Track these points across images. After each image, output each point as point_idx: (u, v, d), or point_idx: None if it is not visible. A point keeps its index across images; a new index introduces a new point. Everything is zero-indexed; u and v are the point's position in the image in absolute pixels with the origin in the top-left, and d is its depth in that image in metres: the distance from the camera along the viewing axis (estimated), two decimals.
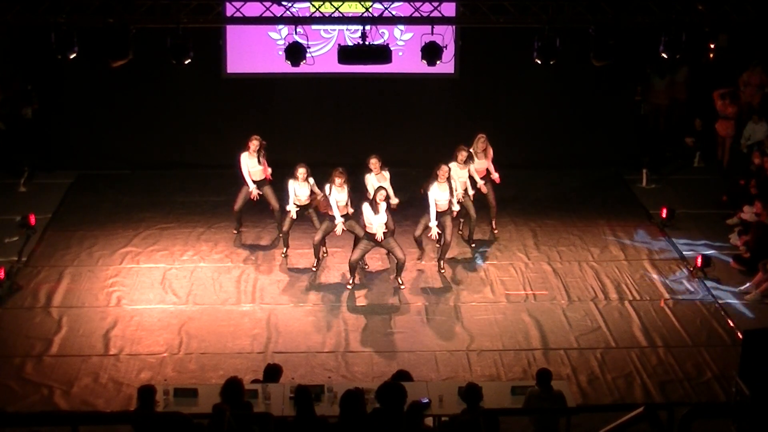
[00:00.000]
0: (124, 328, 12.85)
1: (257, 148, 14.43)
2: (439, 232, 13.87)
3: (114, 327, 12.86)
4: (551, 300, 13.61)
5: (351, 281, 13.82)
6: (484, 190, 14.79)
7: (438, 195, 13.76)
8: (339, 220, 13.67)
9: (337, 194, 13.66)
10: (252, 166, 14.48)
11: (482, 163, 14.77)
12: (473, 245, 14.91)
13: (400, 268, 13.79)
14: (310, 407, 9.38)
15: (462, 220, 14.99)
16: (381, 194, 13.35)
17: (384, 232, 13.43)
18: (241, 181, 14.69)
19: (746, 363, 10.46)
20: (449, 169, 13.84)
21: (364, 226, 13.61)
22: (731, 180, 16.38)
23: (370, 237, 13.50)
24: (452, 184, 13.85)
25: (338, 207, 13.68)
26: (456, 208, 13.99)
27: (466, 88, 17.32)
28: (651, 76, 18.08)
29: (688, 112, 18.40)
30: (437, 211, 13.78)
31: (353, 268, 13.79)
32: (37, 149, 17.29)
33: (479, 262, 14.55)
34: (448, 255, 14.45)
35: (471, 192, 14.63)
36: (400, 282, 13.82)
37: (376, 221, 13.38)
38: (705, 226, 15.57)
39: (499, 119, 17.11)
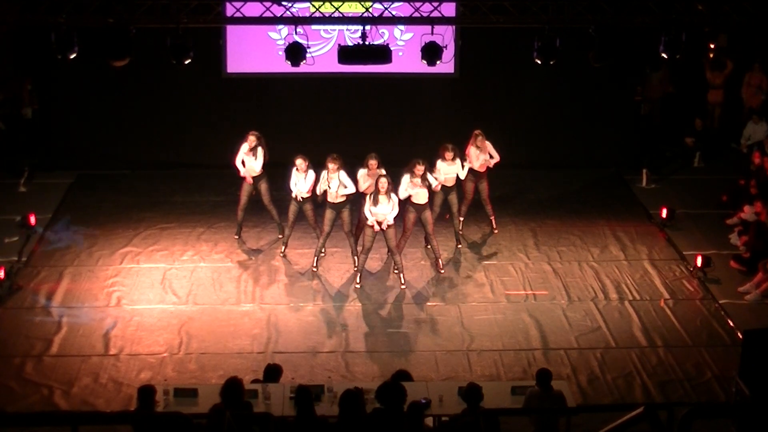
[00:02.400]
0: (124, 328, 12.85)
1: (253, 145, 14.44)
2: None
3: (114, 327, 12.85)
4: (551, 300, 13.60)
5: (358, 280, 13.87)
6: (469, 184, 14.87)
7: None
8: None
9: (329, 182, 13.74)
10: (249, 161, 14.50)
11: (483, 159, 14.76)
12: (459, 246, 14.93)
13: (396, 262, 13.80)
14: (310, 407, 9.38)
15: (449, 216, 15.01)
16: (382, 183, 13.32)
17: (387, 224, 13.46)
18: (240, 182, 14.73)
19: (746, 363, 10.46)
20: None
21: (360, 222, 13.73)
22: (730, 179, 16.38)
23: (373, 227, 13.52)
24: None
25: (326, 192, 13.79)
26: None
27: (466, 88, 17.32)
28: (650, 73, 18.16)
29: (687, 110, 18.43)
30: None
31: (361, 265, 13.84)
32: (37, 149, 17.30)
33: (469, 263, 14.57)
34: (445, 255, 14.48)
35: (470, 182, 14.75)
36: (402, 281, 13.82)
37: (379, 211, 13.36)
38: (705, 226, 15.57)
39: (499, 119, 17.11)
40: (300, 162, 13.99)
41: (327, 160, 13.75)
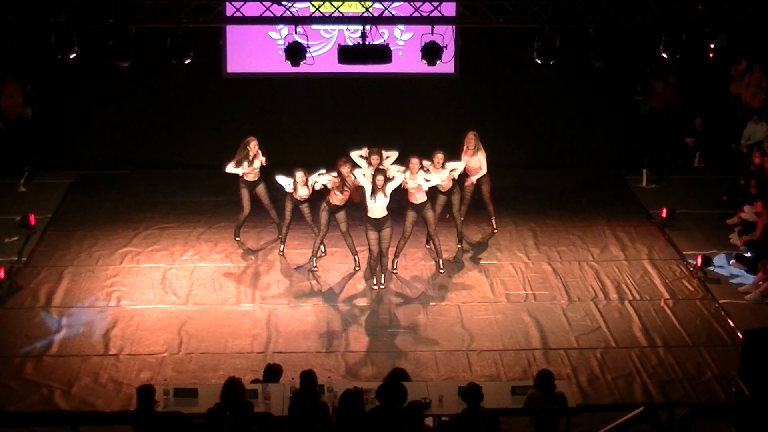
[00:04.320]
0: (124, 328, 12.85)
1: (254, 152, 14.39)
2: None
3: (114, 327, 12.86)
4: (551, 300, 13.60)
5: (375, 281, 13.81)
6: (469, 182, 14.73)
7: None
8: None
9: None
10: (246, 169, 14.46)
11: (475, 161, 14.72)
12: (459, 246, 14.90)
13: (382, 264, 13.71)
14: (313, 391, 9.42)
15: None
16: (379, 179, 13.30)
17: (384, 216, 13.42)
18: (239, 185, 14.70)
19: (746, 363, 10.47)
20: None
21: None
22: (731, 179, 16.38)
23: (372, 222, 13.45)
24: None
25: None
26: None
27: (466, 88, 17.33)
28: (651, 79, 18.14)
29: (688, 112, 18.44)
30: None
31: (373, 267, 13.80)
32: (37, 149, 17.30)
33: (471, 263, 14.55)
34: (446, 255, 14.49)
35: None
36: (382, 282, 13.74)
37: (377, 206, 13.35)
38: (705, 226, 15.57)
39: (499, 119, 17.12)
40: (300, 175, 13.94)
41: (339, 164, 13.67)
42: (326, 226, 13.98)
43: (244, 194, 14.58)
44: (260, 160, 14.36)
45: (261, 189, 14.64)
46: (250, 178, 14.49)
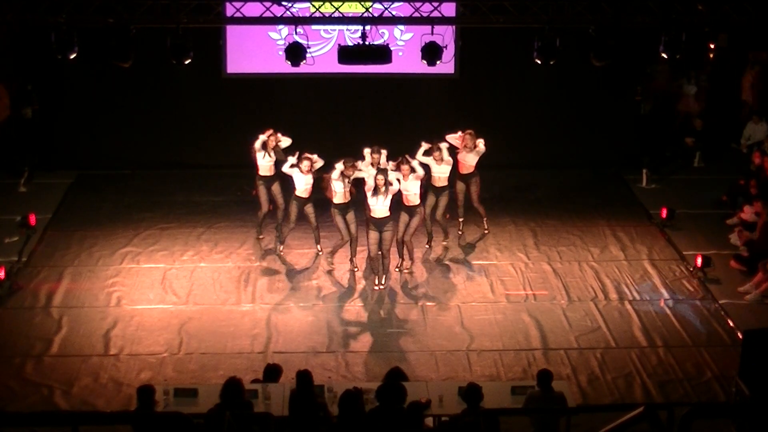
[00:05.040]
0: (124, 328, 12.85)
1: (273, 144, 14.41)
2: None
3: (114, 327, 12.86)
4: (551, 300, 13.60)
5: (376, 281, 13.78)
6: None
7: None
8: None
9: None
10: (264, 160, 14.46)
11: (472, 158, 14.72)
12: (428, 246, 14.86)
13: (384, 265, 13.75)
14: (310, 392, 9.44)
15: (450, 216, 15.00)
16: (380, 179, 13.29)
17: (386, 217, 13.41)
18: (253, 183, 14.77)
19: (746, 363, 10.48)
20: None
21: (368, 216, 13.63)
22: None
23: (374, 222, 13.45)
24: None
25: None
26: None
27: (466, 88, 17.33)
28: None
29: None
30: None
31: (374, 265, 13.77)
32: (37, 149, 17.30)
33: (471, 263, 14.55)
34: (451, 255, 14.50)
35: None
36: (383, 282, 13.75)
37: (378, 206, 13.35)
38: (705, 226, 15.58)
39: (499, 119, 17.11)
40: (306, 164, 13.94)
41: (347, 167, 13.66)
42: (347, 231, 13.88)
43: (262, 192, 14.63)
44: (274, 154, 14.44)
45: (276, 187, 14.64)
46: (265, 173, 14.51)
